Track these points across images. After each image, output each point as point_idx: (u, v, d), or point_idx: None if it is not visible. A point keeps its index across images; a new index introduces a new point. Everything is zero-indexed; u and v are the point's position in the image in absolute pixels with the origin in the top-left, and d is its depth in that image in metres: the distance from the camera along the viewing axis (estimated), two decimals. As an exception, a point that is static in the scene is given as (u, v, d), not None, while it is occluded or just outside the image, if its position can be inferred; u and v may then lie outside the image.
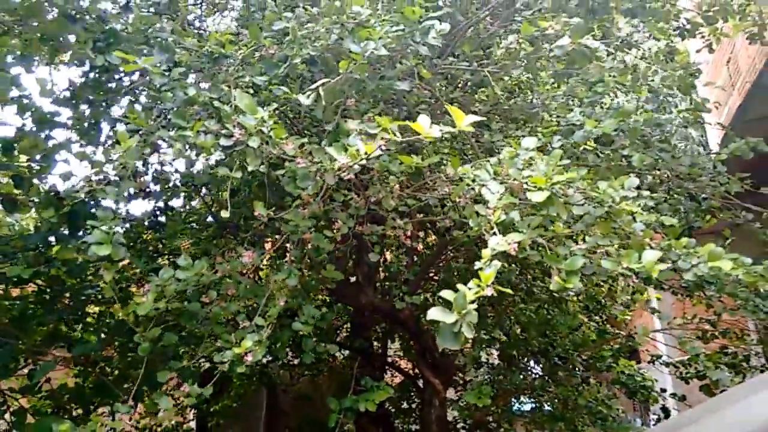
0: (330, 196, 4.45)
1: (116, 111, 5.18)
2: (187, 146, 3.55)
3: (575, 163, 4.80)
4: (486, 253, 2.70)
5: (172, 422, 8.74)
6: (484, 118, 5.96)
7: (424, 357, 7.32)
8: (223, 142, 3.42)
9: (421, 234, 7.53)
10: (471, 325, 2.35)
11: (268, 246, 6.04)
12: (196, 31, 6.23)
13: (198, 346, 4.43)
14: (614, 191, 3.26)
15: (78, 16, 4.46)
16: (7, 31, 4.63)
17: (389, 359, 8.92)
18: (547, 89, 6.33)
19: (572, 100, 6.03)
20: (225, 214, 3.47)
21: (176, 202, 7.17)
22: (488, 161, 3.45)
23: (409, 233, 4.77)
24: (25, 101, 4.86)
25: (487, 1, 5.76)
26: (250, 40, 4.15)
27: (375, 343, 8.54)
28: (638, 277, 3.44)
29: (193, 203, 7.41)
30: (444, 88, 5.87)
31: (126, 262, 6.24)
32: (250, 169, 3.41)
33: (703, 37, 6.86)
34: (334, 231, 4.39)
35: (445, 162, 4.78)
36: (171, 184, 6.56)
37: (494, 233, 2.82)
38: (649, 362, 8.66)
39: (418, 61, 4.26)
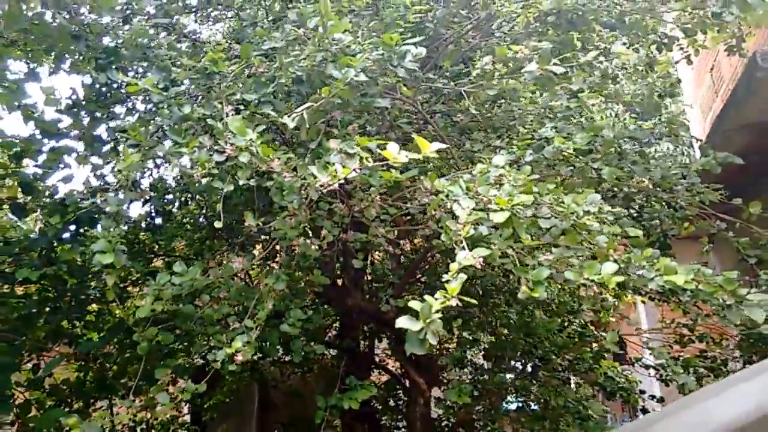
0: (316, 204, 4.69)
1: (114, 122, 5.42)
2: (185, 162, 3.80)
3: (548, 173, 5.03)
4: (453, 266, 2.96)
5: (168, 416, 8.97)
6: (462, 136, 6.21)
7: (410, 357, 7.56)
8: (216, 157, 3.65)
9: (404, 241, 7.73)
10: (435, 332, 2.63)
11: (258, 248, 6.29)
12: (191, 40, 6.41)
13: (192, 344, 4.66)
14: (577, 206, 3.51)
15: (79, 32, 4.70)
16: (12, 42, 4.87)
17: (377, 359, 9.15)
18: (525, 102, 6.53)
19: (549, 112, 6.22)
20: (218, 224, 3.74)
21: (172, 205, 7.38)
22: (462, 177, 3.68)
23: (391, 239, 5.01)
24: (31, 111, 5.11)
25: (469, 15, 6.00)
26: (242, 57, 4.39)
27: (363, 343, 8.78)
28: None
29: (188, 206, 7.59)
30: (426, 102, 6.08)
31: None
32: (241, 182, 3.66)
33: (681, 48, 7.09)
34: (320, 238, 4.63)
35: (427, 172, 5.02)
36: (167, 189, 6.77)
37: (463, 247, 3.07)
38: (630, 364, 8.84)
39: (398, 79, 4.48)
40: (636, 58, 9.08)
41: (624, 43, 8.68)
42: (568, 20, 5.63)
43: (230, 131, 3.48)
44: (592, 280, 3.19)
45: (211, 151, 3.68)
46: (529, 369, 8.45)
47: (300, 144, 5.06)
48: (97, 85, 5.09)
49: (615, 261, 3.44)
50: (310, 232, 4.63)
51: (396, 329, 7.13)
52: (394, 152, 3.02)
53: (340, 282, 7.21)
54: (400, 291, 7.06)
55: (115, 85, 5.27)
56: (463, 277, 2.88)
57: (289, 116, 3.59)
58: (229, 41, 6.08)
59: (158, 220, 7.01)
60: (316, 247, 4.53)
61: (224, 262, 4.56)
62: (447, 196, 3.57)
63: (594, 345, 8.63)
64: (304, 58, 4.02)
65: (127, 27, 5.61)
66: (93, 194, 4.24)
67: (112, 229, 3.78)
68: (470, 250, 3.05)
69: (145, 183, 6.24)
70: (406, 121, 5.49)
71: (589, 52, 7.23)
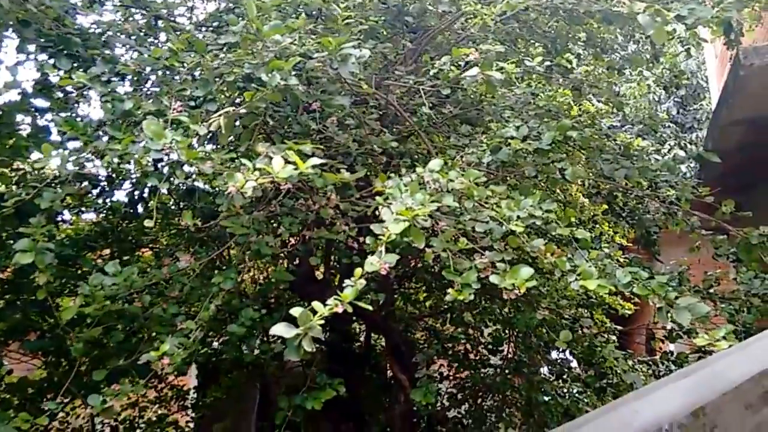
0: (279, 201, 4.64)
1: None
2: (117, 159, 3.74)
3: (509, 172, 4.99)
4: (358, 271, 2.93)
5: (157, 414, 8.86)
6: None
7: (393, 353, 7.54)
8: (153, 155, 3.60)
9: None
10: (311, 340, 2.61)
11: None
12: (166, 21, 6.15)
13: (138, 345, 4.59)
14: (510, 211, 3.50)
15: (29, 17, 4.59)
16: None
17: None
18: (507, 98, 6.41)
19: (527, 107, 6.10)
20: (149, 223, 3.71)
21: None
22: (402, 181, 3.64)
23: (353, 236, 4.95)
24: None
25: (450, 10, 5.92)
26: (197, 51, 4.33)
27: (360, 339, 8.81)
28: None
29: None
30: (405, 95, 6.00)
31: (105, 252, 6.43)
32: (177, 181, 3.63)
33: (681, 41, 6.99)
34: (277, 236, 4.59)
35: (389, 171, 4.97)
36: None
37: (379, 252, 3.03)
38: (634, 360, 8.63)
39: (360, 77, 4.43)
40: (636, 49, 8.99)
41: (624, 36, 8.63)
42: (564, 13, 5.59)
43: (147, 136, 3.40)
44: (513, 284, 3.19)
45: (147, 149, 3.62)
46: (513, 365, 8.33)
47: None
48: (46, 75, 4.97)
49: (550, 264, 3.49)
50: (267, 229, 4.59)
51: (379, 324, 7.22)
52: (277, 167, 3.03)
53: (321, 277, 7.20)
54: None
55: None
56: (363, 283, 2.86)
57: (205, 122, 3.55)
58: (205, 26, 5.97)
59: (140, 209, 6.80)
60: (272, 244, 4.48)
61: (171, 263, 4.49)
62: (386, 198, 3.53)
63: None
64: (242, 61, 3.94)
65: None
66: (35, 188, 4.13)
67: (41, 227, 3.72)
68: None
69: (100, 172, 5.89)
70: (375, 118, 5.41)
71: (590, 45, 7.24)
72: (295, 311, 2.68)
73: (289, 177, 3.10)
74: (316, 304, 2.72)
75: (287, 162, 3.13)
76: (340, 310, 2.76)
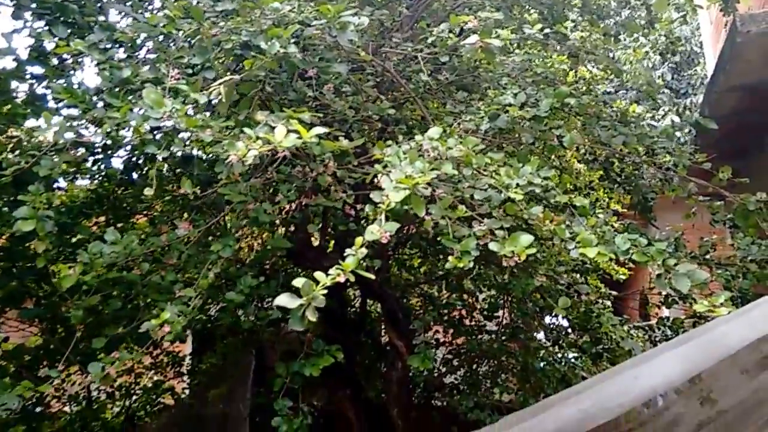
0: (277, 169, 4.63)
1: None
2: (115, 126, 3.72)
3: (506, 139, 4.98)
4: (359, 240, 2.93)
5: (153, 380, 8.85)
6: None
7: (390, 319, 7.55)
8: (151, 123, 3.58)
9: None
10: (314, 310, 2.61)
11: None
12: None
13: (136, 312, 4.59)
14: (510, 178, 3.49)
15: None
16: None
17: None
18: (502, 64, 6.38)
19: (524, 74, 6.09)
20: (148, 191, 3.69)
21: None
22: (401, 148, 3.63)
23: (350, 203, 4.93)
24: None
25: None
26: (194, 19, 4.30)
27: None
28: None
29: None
30: (402, 61, 5.98)
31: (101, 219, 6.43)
32: (174, 149, 3.61)
33: (677, 8, 6.97)
34: (276, 203, 4.58)
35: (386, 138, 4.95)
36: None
37: (379, 220, 3.03)
38: (630, 325, 8.65)
39: (358, 44, 4.41)
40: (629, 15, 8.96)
41: (618, 3, 8.59)
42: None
43: (147, 104, 3.38)
44: (512, 251, 3.19)
45: (146, 116, 3.60)
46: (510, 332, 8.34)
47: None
48: (41, 42, 4.92)
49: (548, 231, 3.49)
50: (264, 196, 4.57)
51: (376, 290, 7.23)
52: (279, 136, 3.01)
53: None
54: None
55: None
56: (364, 252, 2.86)
57: (204, 90, 3.53)
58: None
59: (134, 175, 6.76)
60: (270, 211, 4.47)
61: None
62: (385, 166, 3.53)
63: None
64: (240, 28, 3.92)
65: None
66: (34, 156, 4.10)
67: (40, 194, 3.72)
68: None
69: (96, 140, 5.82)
70: (371, 85, 5.39)
71: (586, 11, 7.22)
72: (298, 282, 2.67)
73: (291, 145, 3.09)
74: (318, 274, 2.71)
75: (289, 131, 3.12)
76: (342, 279, 2.75)
